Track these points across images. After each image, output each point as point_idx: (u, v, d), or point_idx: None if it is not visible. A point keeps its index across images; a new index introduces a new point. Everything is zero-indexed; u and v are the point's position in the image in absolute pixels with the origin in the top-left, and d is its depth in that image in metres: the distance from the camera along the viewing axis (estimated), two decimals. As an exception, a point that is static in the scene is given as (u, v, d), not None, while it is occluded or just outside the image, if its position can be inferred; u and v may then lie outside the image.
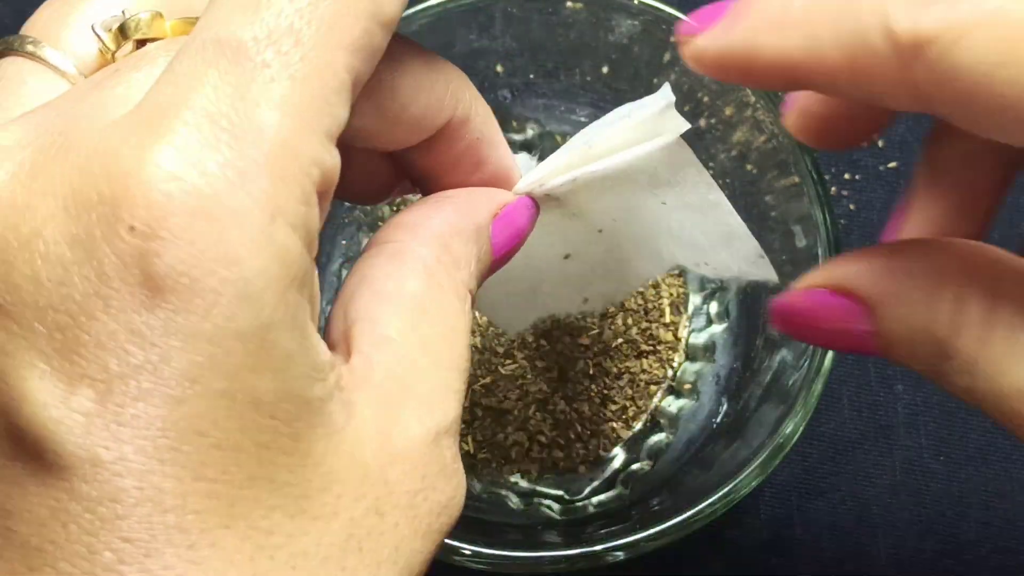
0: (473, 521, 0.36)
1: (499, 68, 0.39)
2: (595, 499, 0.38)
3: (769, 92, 0.34)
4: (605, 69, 0.38)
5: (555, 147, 0.38)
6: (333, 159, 0.20)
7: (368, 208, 0.40)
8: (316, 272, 0.21)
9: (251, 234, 0.19)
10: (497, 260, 0.26)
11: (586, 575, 0.37)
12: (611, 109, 0.38)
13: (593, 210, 0.27)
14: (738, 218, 0.26)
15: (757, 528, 0.40)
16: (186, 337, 0.19)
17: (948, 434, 0.40)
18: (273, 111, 0.19)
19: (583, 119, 0.40)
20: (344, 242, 0.40)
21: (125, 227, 0.18)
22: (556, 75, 0.39)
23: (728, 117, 0.36)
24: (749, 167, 0.37)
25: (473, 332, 0.38)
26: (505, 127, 0.39)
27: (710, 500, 0.32)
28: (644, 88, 0.37)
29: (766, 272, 0.29)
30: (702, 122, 0.37)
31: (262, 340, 0.19)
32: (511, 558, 0.31)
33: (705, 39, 0.22)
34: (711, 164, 0.38)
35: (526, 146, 0.41)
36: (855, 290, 0.23)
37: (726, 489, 0.32)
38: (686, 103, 0.37)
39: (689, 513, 0.32)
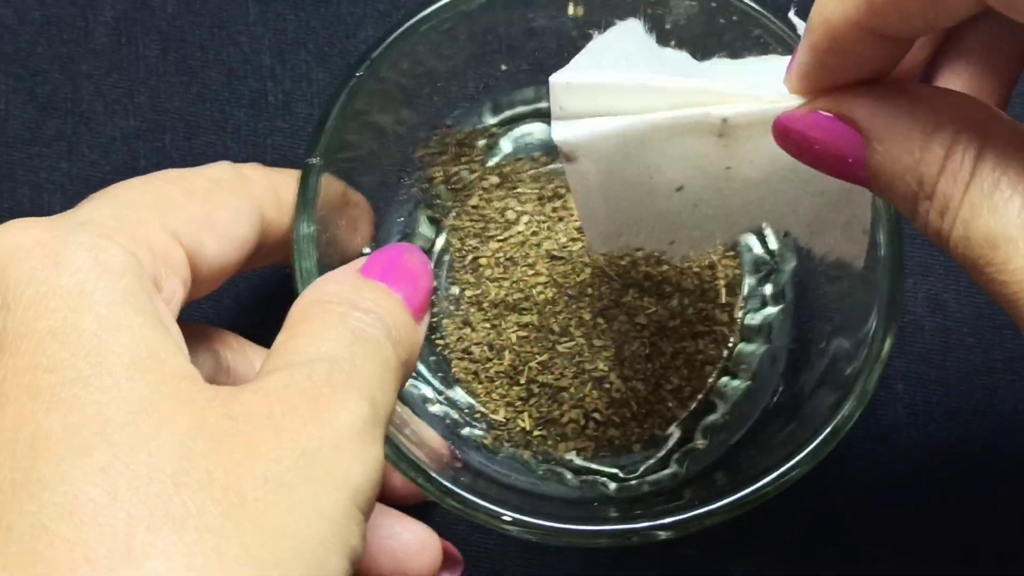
0: (528, 495, 0.36)
1: (556, 48, 0.38)
2: (650, 477, 0.38)
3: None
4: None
5: None
6: None
7: (425, 185, 0.40)
8: None
9: None
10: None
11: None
12: None
13: (745, 148, 0.28)
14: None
15: (757, 527, 0.40)
16: None
17: (948, 434, 0.40)
18: None
19: None
20: (401, 219, 0.40)
21: None
22: None
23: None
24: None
25: (529, 310, 0.38)
26: None
27: (763, 482, 0.32)
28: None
29: (858, 251, 0.30)
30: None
31: None
32: (562, 530, 0.32)
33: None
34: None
35: None
36: (855, 120, 0.25)
37: (779, 472, 0.32)
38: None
39: (741, 494, 0.32)
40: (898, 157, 0.24)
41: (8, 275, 0.26)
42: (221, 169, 0.33)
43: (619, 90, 0.27)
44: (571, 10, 0.37)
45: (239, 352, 0.34)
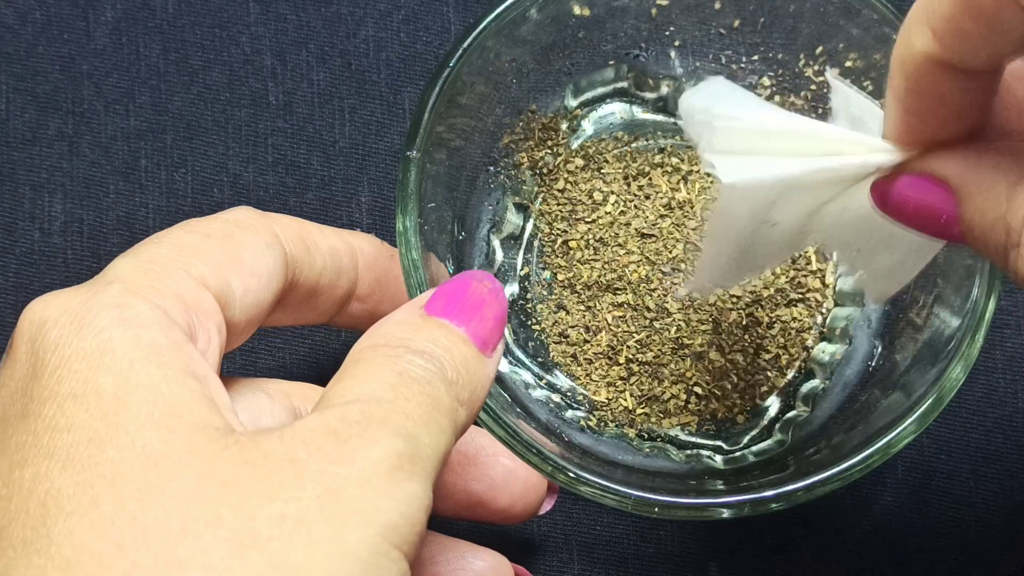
0: (635, 471, 0.36)
1: (636, 27, 0.39)
2: (754, 447, 0.38)
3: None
4: (736, 22, 0.39)
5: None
6: None
7: (512, 172, 0.40)
8: None
9: None
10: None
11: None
12: (747, 65, 0.39)
13: (860, 193, 0.28)
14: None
15: (758, 526, 0.40)
16: None
17: (948, 434, 0.40)
18: None
19: (717, 74, 0.40)
20: (491, 207, 0.40)
21: None
22: (701, 36, 0.39)
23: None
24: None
25: (623, 289, 0.39)
26: (641, 86, 0.40)
27: (867, 452, 0.33)
28: (783, 43, 0.38)
29: (886, 293, 0.32)
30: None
31: None
32: (676, 504, 0.33)
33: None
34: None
35: (660, 106, 0.41)
36: (947, 179, 0.26)
37: (884, 441, 0.33)
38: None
39: (846, 464, 0.33)
40: (987, 210, 0.25)
41: (37, 345, 0.26)
42: (239, 212, 0.32)
43: (767, 132, 0.27)
44: (577, 10, 0.37)
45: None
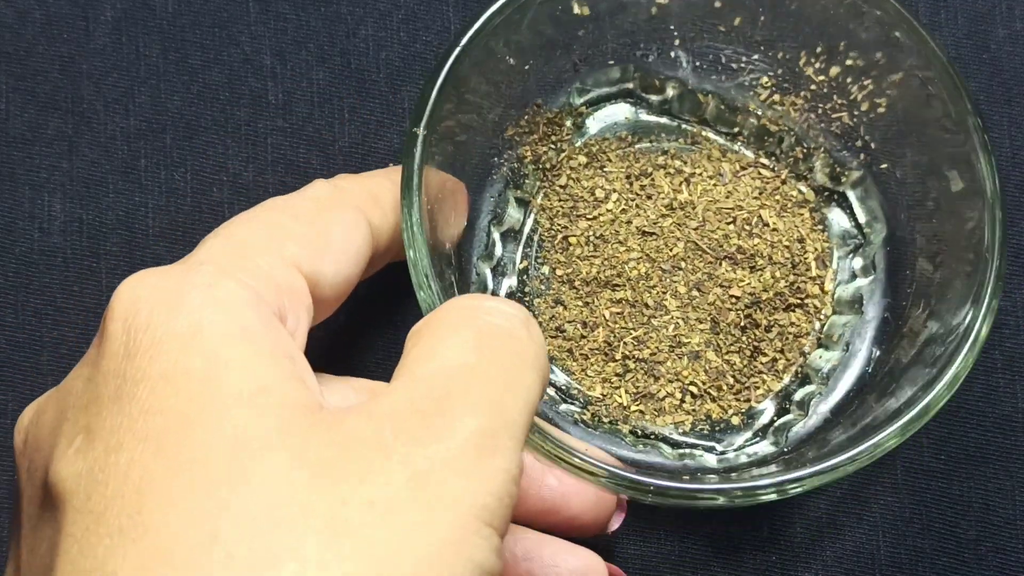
0: (629, 462, 0.37)
1: (643, 24, 0.39)
2: (748, 449, 0.38)
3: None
4: (737, 20, 0.39)
5: (697, 106, 0.40)
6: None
7: (515, 165, 0.40)
8: None
9: None
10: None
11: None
12: (747, 64, 0.39)
13: None
14: None
15: (758, 526, 0.40)
16: None
17: (948, 433, 0.40)
18: None
19: (723, 78, 0.40)
20: (492, 199, 0.40)
21: None
22: (701, 34, 0.39)
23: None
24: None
25: (622, 286, 0.39)
26: (647, 88, 0.41)
27: (854, 452, 0.33)
28: (784, 42, 0.38)
29: None
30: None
31: None
32: (666, 488, 0.33)
33: None
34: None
35: (666, 108, 0.41)
36: None
37: (871, 442, 0.33)
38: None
39: (834, 461, 0.33)
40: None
41: (129, 325, 0.26)
42: (319, 188, 0.33)
43: None
44: (576, 9, 0.37)
45: None
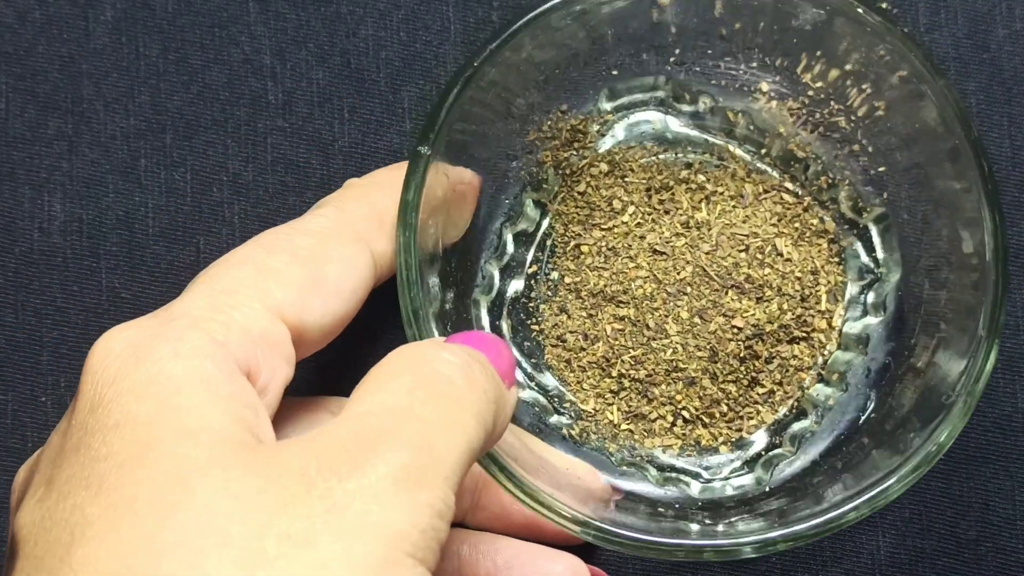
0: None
1: (675, 43, 0.39)
2: (734, 481, 0.39)
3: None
4: (737, 25, 0.38)
5: (727, 124, 0.40)
6: None
7: (535, 168, 0.40)
8: None
9: None
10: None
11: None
12: (746, 72, 0.39)
13: None
14: None
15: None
16: None
17: (947, 434, 0.40)
18: None
19: (754, 97, 0.40)
20: (507, 200, 0.40)
21: None
22: (733, 53, 0.39)
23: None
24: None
25: (627, 303, 0.39)
26: (679, 98, 0.40)
27: (854, 504, 0.33)
28: (783, 48, 0.38)
29: None
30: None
31: None
32: (643, 542, 0.33)
33: None
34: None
35: (698, 120, 0.41)
36: None
37: (871, 495, 0.33)
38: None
39: (830, 515, 0.33)
40: None
41: (97, 379, 0.27)
42: (323, 217, 0.32)
43: None
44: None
45: None
